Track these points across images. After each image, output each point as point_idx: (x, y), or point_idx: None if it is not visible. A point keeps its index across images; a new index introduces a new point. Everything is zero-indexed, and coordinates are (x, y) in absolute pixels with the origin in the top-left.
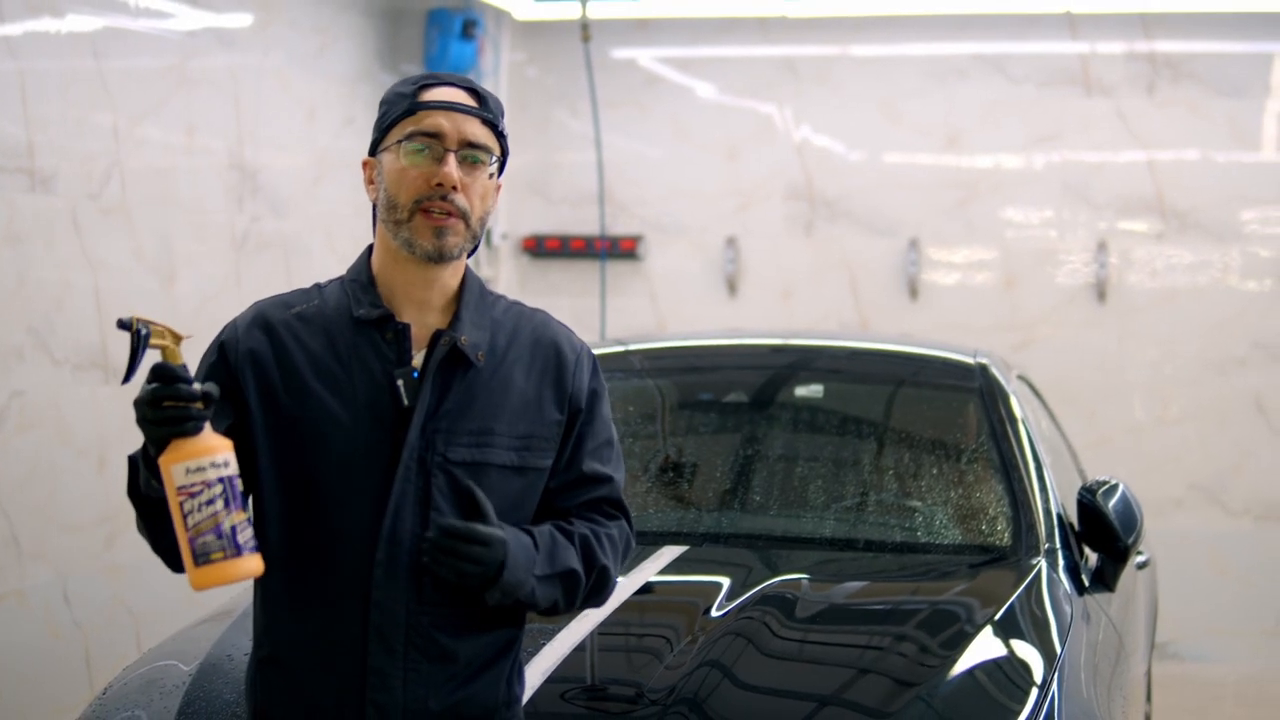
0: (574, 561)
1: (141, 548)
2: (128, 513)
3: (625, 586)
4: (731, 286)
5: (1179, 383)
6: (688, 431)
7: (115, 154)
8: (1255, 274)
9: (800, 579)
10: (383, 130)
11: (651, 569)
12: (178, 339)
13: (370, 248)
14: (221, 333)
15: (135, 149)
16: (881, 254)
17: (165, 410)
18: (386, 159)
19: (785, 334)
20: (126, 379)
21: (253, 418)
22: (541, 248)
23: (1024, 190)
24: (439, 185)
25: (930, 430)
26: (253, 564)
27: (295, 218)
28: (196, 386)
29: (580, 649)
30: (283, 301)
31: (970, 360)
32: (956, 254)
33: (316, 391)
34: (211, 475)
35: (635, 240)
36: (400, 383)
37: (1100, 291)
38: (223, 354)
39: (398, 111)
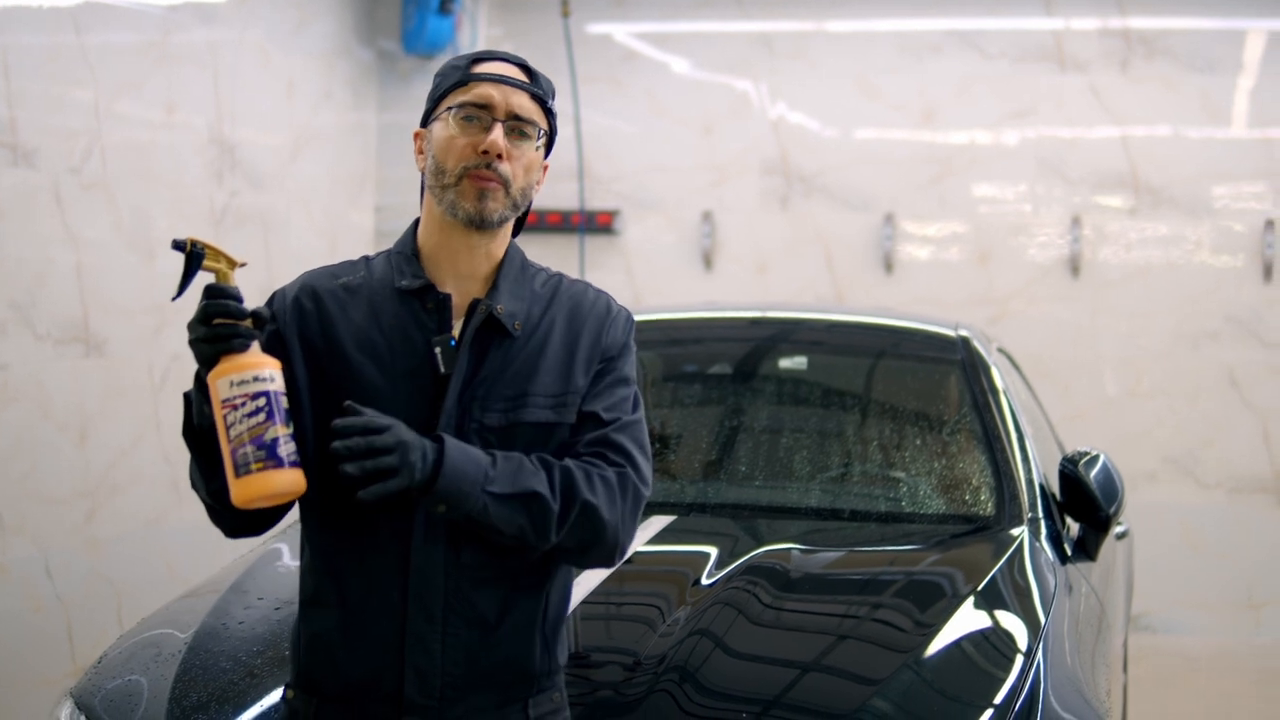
0: (539, 485)
1: (123, 521)
2: (109, 486)
3: None
4: (707, 261)
5: (1152, 357)
6: (672, 403)
7: (96, 129)
8: (1228, 249)
9: (787, 549)
10: (434, 101)
11: (641, 538)
12: (232, 264)
13: (417, 221)
14: (269, 300)
15: (116, 124)
16: (857, 229)
17: (215, 328)
18: (436, 128)
19: (768, 307)
20: (177, 295)
21: (298, 384)
22: (520, 231)
23: (998, 165)
24: (484, 153)
25: (913, 402)
26: (292, 477)
27: (274, 192)
28: (246, 306)
29: (573, 617)
30: (330, 272)
31: (952, 333)
32: (931, 229)
33: (358, 361)
34: (255, 389)
35: (611, 215)
36: (438, 351)
37: (1074, 266)
38: (274, 316)
39: (450, 83)
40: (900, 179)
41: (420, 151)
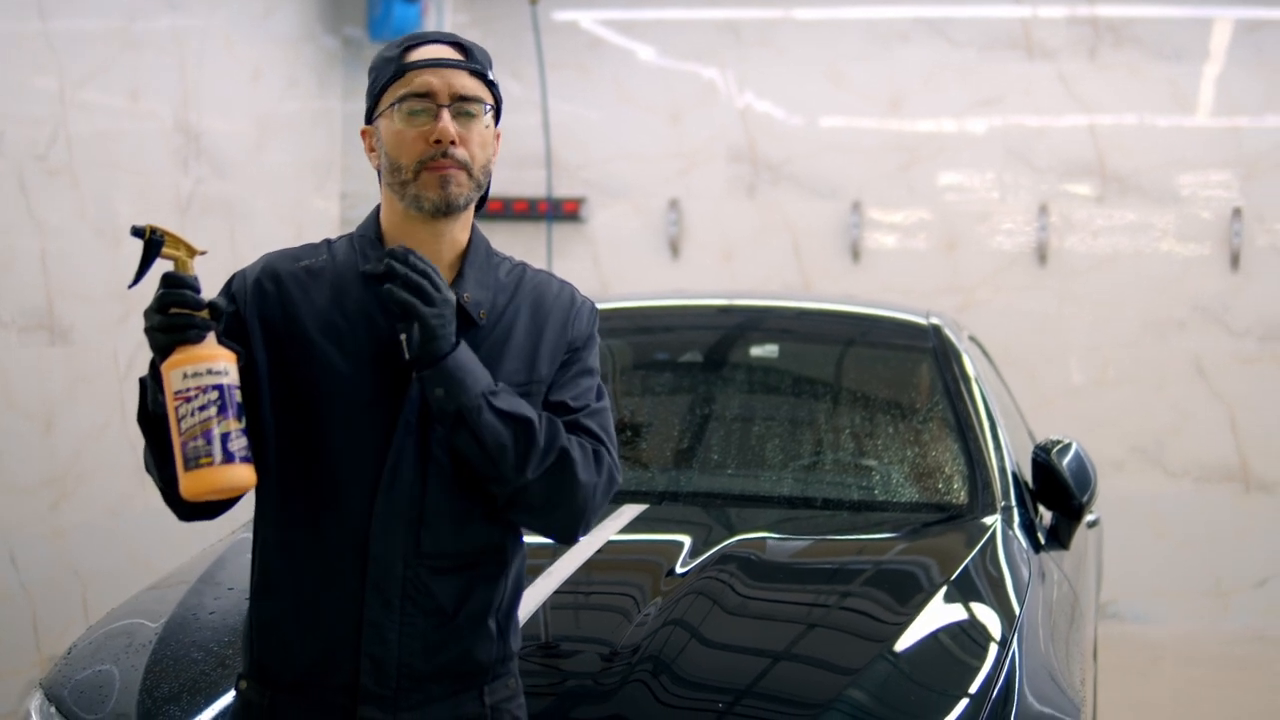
0: (531, 414)
1: (88, 509)
2: (74, 475)
3: (587, 545)
4: (674, 249)
5: (1119, 345)
6: (642, 392)
7: (61, 116)
8: (1195, 237)
9: (761, 538)
10: (374, 97)
11: (613, 527)
12: (192, 252)
13: (379, 206)
14: (230, 281)
15: (81, 111)
16: (824, 217)
17: (171, 317)
18: (383, 125)
19: (737, 295)
20: (134, 283)
21: (258, 367)
22: (483, 210)
23: (966, 154)
24: (437, 143)
25: (885, 390)
26: (242, 473)
27: (239, 180)
28: (203, 297)
29: (546, 606)
30: (291, 255)
31: (924, 321)
32: (898, 217)
33: (320, 345)
34: (208, 381)
35: (578, 203)
36: (403, 337)
37: (1041, 254)
38: (232, 299)
39: (386, 76)
40: (868, 167)
41: (371, 149)
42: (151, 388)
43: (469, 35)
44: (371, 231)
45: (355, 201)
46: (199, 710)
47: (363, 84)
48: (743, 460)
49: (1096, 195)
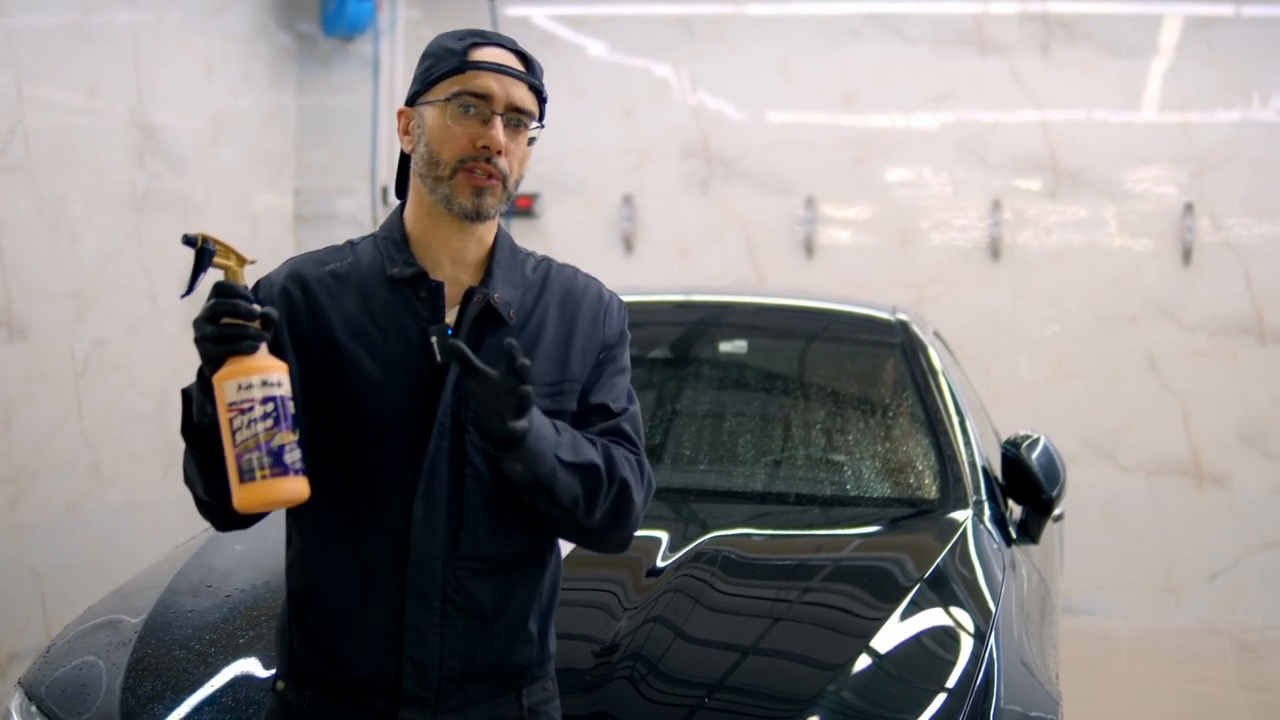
0: (596, 457)
1: (46, 507)
2: (32, 472)
3: (564, 542)
4: (628, 244)
5: (1072, 340)
6: None
7: (19, 111)
8: (1147, 232)
9: (737, 534)
10: (427, 83)
11: None
12: (242, 261)
13: (402, 205)
14: (255, 288)
15: (37, 107)
16: (777, 212)
17: (223, 327)
18: (429, 114)
19: (700, 290)
20: (187, 293)
21: (290, 374)
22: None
23: (919, 149)
24: (484, 148)
25: (854, 385)
26: (297, 485)
27: (194, 175)
28: (256, 306)
29: None
30: (317, 259)
31: (890, 316)
32: (852, 212)
33: (350, 350)
34: (262, 394)
35: (531, 198)
36: (434, 340)
37: (994, 250)
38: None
39: (446, 68)
40: (821, 163)
41: (407, 132)
42: (199, 398)
43: (422, 30)
44: (396, 233)
45: (309, 197)
46: (182, 708)
47: (316, 79)
48: (714, 456)
49: (1049, 191)
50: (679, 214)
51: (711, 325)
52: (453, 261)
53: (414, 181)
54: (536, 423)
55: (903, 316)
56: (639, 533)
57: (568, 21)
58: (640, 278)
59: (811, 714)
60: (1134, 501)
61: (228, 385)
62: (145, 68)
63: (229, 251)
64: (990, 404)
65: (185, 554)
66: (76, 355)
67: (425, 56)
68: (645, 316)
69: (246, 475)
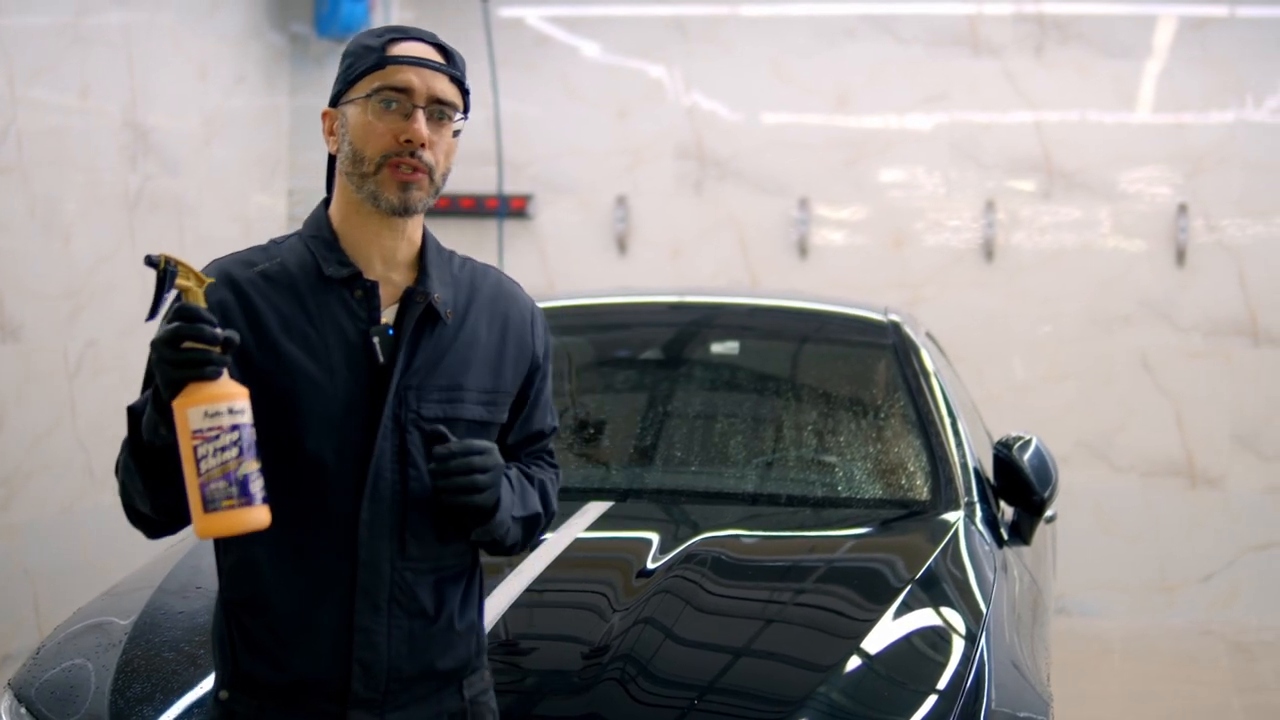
0: (538, 504)
1: (39, 508)
2: (26, 473)
3: (555, 543)
4: (621, 245)
5: (1065, 340)
6: (604, 389)
7: (12, 113)
8: (1141, 233)
9: (728, 535)
10: (348, 82)
11: (579, 525)
12: (202, 282)
13: (326, 202)
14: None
15: (30, 108)
16: (771, 213)
17: (185, 352)
18: (351, 112)
19: (692, 291)
20: (151, 316)
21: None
22: (431, 206)
23: (912, 150)
24: (407, 141)
25: (846, 387)
26: (261, 515)
27: (187, 176)
28: (219, 331)
29: (519, 604)
30: (243, 260)
31: (882, 317)
32: (845, 213)
33: (290, 352)
34: (228, 421)
35: (525, 199)
36: (376, 340)
37: (988, 251)
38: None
39: (365, 65)
40: (814, 163)
41: (331, 133)
42: (151, 418)
43: None
44: (325, 232)
45: (302, 198)
46: (172, 710)
47: (310, 80)
48: (705, 457)
49: (1043, 191)
50: (673, 215)
51: (703, 326)
52: (384, 260)
53: (340, 181)
54: (504, 498)
55: (895, 318)
56: (628, 533)
57: (561, 22)
58: (634, 279)
59: (801, 715)
60: (1128, 502)
61: (192, 412)
62: (138, 68)
63: (189, 272)
64: (984, 405)
65: (175, 555)
66: (70, 356)
67: (345, 56)
68: (637, 318)
69: (211, 505)
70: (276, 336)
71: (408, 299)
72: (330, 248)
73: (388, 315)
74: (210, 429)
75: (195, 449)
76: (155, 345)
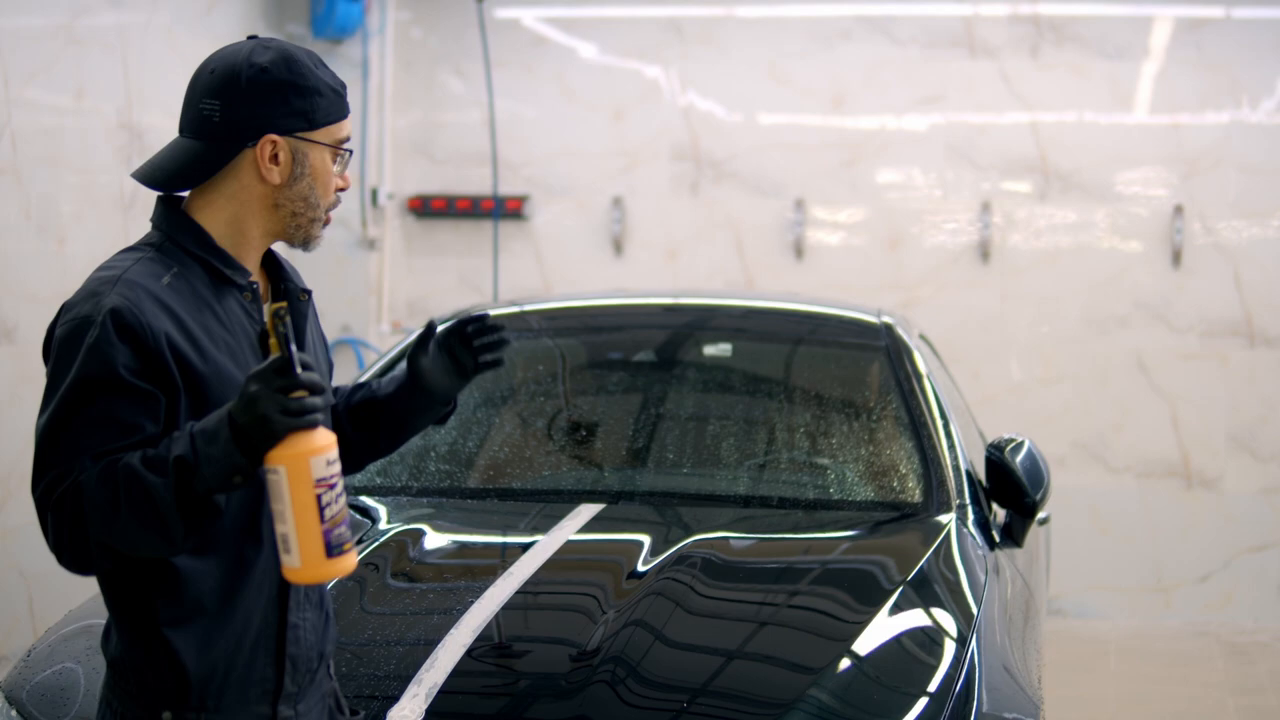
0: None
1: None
2: (19, 475)
3: (547, 544)
4: (617, 246)
5: (1061, 342)
6: (597, 391)
7: (6, 114)
8: (1136, 234)
9: (719, 538)
10: (312, 121)
11: (571, 527)
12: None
13: (179, 210)
14: (107, 317)
15: (25, 109)
16: (767, 214)
17: (296, 401)
18: (316, 155)
19: (686, 293)
20: (293, 371)
21: (179, 393)
22: (427, 208)
23: (908, 151)
24: (341, 190)
25: (839, 389)
26: (355, 556)
27: None
28: (315, 376)
29: (510, 606)
30: (148, 274)
31: (875, 319)
32: (841, 214)
33: (220, 360)
34: (339, 468)
35: (521, 200)
36: (293, 349)
37: (984, 252)
38: (136, 336)
39: (337, 113)
40: (810, 165)
41: (275, 162)
42: (227, 468)
43: (411, 32)
44: (207, 239)
45: None
46: None
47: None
48: (698, 459)
49: (1038, 193)
50: (668, 216)
51: (696, 328)
52: (253, 263)
53: (259, 204)
54: None
55: (888, 319)
56: (620, 535)
57: (557, 23)
58: (630, 280)
59: (791, 718)
60: (1123, 503)
61: (315, 461)
62: (133, 69)
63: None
64: (979, 406)
65: None
66: None
67: (309, 91)
68: (630, 320)
69: (335, 550)
70: (205, 345)
71: (288, 296)
72: (222, 255)
73: (265, 313)
74: (331, 476)
75: (319, 497)
76: (260, 397)
